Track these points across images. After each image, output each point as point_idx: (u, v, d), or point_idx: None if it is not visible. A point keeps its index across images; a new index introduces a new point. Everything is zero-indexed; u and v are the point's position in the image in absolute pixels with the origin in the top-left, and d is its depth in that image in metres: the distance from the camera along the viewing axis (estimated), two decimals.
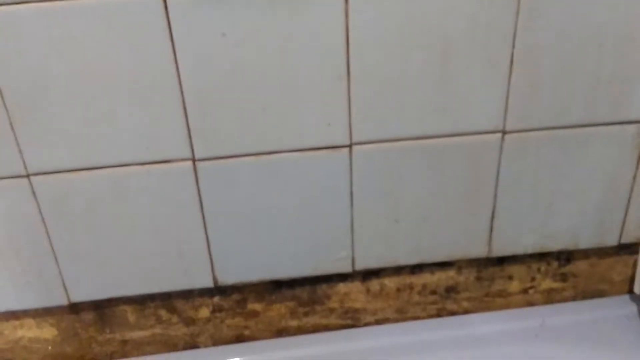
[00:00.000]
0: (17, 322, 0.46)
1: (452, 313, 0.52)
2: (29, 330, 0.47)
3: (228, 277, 0.47)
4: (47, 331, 0.47)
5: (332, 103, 0.40)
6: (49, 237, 0.42)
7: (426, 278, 0.50)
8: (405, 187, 0.44)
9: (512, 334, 0.49)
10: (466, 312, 0.52)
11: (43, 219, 0.41)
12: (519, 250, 0.48)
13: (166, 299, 0.47)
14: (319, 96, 0.40)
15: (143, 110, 0.39)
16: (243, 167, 0.42)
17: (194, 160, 0.41)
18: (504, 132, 0.43)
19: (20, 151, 0.39)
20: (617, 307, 0.51)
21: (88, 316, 0.47)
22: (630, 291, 0.52)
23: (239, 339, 0.50)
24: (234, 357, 0.49)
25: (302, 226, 0.45)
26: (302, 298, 0.49)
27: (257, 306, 0.49)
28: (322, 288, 0.49)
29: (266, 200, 0.43)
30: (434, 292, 0.51)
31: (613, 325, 0.50)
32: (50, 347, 0.48)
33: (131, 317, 0.48)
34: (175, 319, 0.48)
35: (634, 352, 0.48)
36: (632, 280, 0.51)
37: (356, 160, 0.43)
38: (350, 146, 0.42)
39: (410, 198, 0.45)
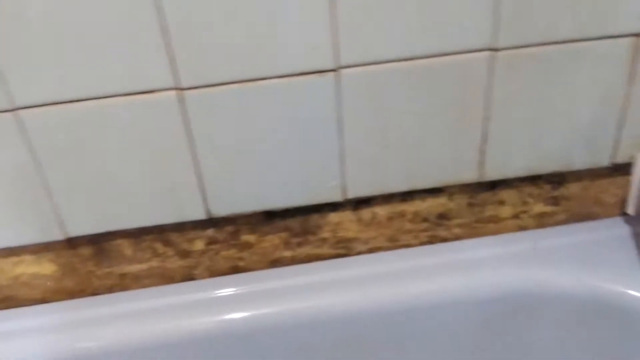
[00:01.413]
0: (16, 259, 0.50)
1: (444, 240, 0.55)
2: (28, 267, 0.51)
3: (221, 209, 0.50)
4: (46, 267, 0.51)
5: (317, 25, 0.42)
6: (41, 171, 0.45)
7: (417, 205, 0.53)
8: (394, 111, 0.47)
9: (505, 258, 0.53)
10: (458, 238, 0.55)
11: (34, 154, 0.44)
12: (510, 173, 0.51)
13: (161, 232, 0.51)
14: (303, 18, 0.42)
15: (126, 39, 0.41)
16: (230, 96, 0.45)
17: (180, 89, 0.43)
18: (493, 50, 0.45)
19: (6, 85, 0.41)
20: (610, 229, 0.54)
21: (86, 251, 0.51)
22: (624, 213, 0.55)
23: (234, 270, 0.54)
24: (229, 288, 0.54)
25: (291, 155, 0.48)
26: (295, 228, 0.53)
27: (250, 237, 0.53)
28: (314, 218, 0.53)
29: (255, 129, 0.46)
30: (425, 220, 0.54)
31: (606, 247, 0.53)
32: (49, 283, 0.52)
33: (128, 251, 0.52)
34: (171, 252, 0.52)
35: (627, 273, 0.52)
36: (625, 201, 0.54)
37: (343, 84, 0.45)
38: (336, 70, 0.44)
39: (399, 123, 0.47)
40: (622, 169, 0.52)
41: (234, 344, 0.54)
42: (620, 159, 0.51)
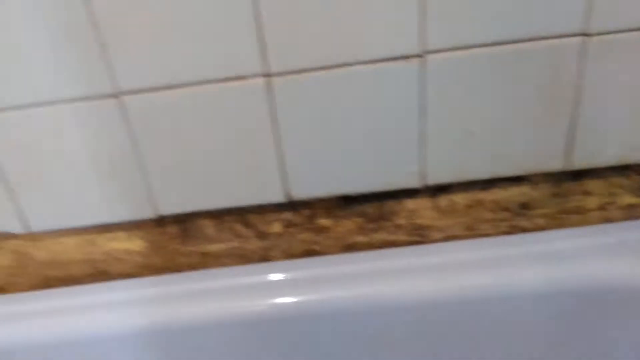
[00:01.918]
0: (110, 235, 0.55)
1: (525, 230, 0.55)
2: (121, 243, 0.56)
3: (300, 192, 0.52)
4: (136, 243, 0.56)
5: (404, 11, 0.43)
6: (139, 153, 0.49)
7: (498, 194, 0.53)
8: (480, 97, 0.47)
9: (590, 250, 0.52)
10: (540, 229, 0.55)
11: (133, 136, 0.48)
12: (599, 162, 0.50)
13: (242, 214, 0.54)
14: (391, 3, 0.43)
15: (221, 28, 0.44)
16: (315, 82, 0.46)
17: (268, 75, 0.46)
18: (586, 35, 0.44)
19: (111, 72, 0.45)
20: None
21: (173, 229, 0.55)
22: None
23: (309, 253, 0.57)
24: (304, 270, 0.56)
25: (372, 140, 0.49)
26: (370, 214, 0.55)
27: (326, 222, 0.55)
28: (390, 204, 0.54)
29: (338, 114, 0.48)
30: (506, 209, 0.54)
31: None
32: (138, 258, 0.57)
33: (211, 231, 0.55)
34: (250, 233, 0.55)
35: None
36: None
37: (429, 70, 0.46)
38: (422, 55, 0.45)
39: (485, 109, 0.48)
40: None
41: (306, 326, 0.57)
42: None
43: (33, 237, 0.55)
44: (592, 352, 0.54)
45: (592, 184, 0.52)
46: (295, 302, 0.55)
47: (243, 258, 0.57)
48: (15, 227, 0.53)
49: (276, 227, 0.55)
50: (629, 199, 0.53)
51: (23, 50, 0.45)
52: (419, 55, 0.45)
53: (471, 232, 0.55)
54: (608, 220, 0.54)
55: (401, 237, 0.56)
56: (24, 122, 0.48)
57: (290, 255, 0.57)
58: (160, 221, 0.54)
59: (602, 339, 0.53)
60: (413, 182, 0.52)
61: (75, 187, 0.51)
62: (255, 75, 0.46)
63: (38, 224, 0.53)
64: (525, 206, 0.54)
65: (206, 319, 0.56)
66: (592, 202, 0.53)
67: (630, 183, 0.52)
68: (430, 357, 0.56)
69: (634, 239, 0.53)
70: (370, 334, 0.57)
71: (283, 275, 0.57)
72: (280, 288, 0.56)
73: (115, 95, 0.46)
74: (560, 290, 0.52)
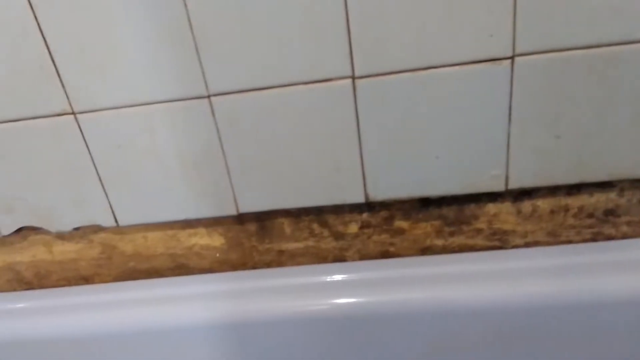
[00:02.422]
0: (191, 231, 0.58)
1: (610, 238, 0.54)
2: (201, 238, 0.59)
3: (378, 193, 0.53)
4: (216, 239, 0.58)
5: (496, 11, 0.44)
6: (223, 152, 0.52)
7: (584, 200, 0.53)
8: (569, 100, 0.47)
9: None
10: (625, 237, 0.54)
11: (219, 136, 0.51)
12: None
13: (319, 214, 0.56)
14: (482, 5, 0.44)
15: (309, 31, 0.46)
16: (399, 84, 0.47)
17: (353, 77, 0.47)
18: None
19: (203, 74, 0.48)
20: None
21: (251, 227, 0.57)
22: None
23: (384, 255, 0.58)
24: (379, 271, 0.58)
25: (455, 143, 0.50)
26: (449, 217, 0.55)
27: (403, 224, 0.56)
28: (471, 208, 0.54)
29: (420, 116, 0.49)
30: (591, 215, 0.53)
31: None
32: (218, 254, 0.60)
33: (287, 229, 0.57)
34: (326, 232, 0.57)
35: None
36: None
37: (518, 72, 0.46)
38: (512, 58, 0.45)
39: (574, 112, 0.47)
40: None
41: (376, 327, 0.58)
42: None
43: (120, 230, 0.59)
44: None
45: None
46: (367, 302, 0.57)
47: (318, 257, 0.59)
48: (105, 221, 0.57)
49: (353, 228, 0.57)
50: None
51: (120, 50, 0.48)
52: (509, 57, 0.45)
53: (554, 238, 0.55)
54: None
55: (480, 241, 0.56)
56: (119, 122, 0.51)
57: (365, 256, 0.58)
58: (240, 219, 0.57)
59: None
60: (496, 186, 0.52)
61: (161, 184, 0.54)
62: (341, 78, 0.47)
63: (125, 219, 0.57)
64: (610, 213, 0.53)
65: (280, 315, 0.58)
66: None
67: None
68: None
69: None
70: (441, 338, 0.57)
71: (356, 275, 0.58)
72: (352, 288, 0.57)
73: (205, 97, 0.49)
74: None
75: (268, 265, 0.59)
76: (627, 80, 0.45)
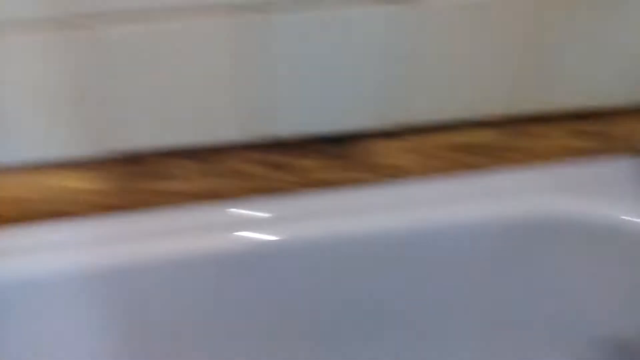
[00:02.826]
0: (64, 172, 0.54)
1: (476, 169, 0.60)
2: (76, 180, 0.54)
3: (263, 131, 0.53)
4: (90, 182, 0.55)
5: None
6: (99, 85, 0.47)
7: (458, 136, 0.57)
8: (459, 45, 0.49)
9: (529, 187, 0.58)
10: (488, 168, 0.60)
11: (94, 69, 0.46)
12: (550, 107, 0.55)
13: (198, 152, 0.54)
14: None
15: None
16: (294, 20, 0.46)
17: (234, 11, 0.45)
18: None
19: None
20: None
21: (128, 167, 0.54)
22: None
23: (272, 191, 0.58)
24: (263, 209, 0.58)
25: (344, 81, 0.50)
26: (336, 153, 0.57)
27: (291, 160, 0.57)
28: (357, 144, 0.56)
29: (314, 55, 0.48)
30: (460, 150, 0.58)
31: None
32: (93, 197, 0.56)
33: (167, 169, 0.55)
34: (207, 171, 0.56)
35: None
36: None
37: (416, 14, 0.46)
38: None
39: (460, 55, 0.50)
40: None
41: (261, 263, 0.59)
42: None
43: None
44: (530, 280, 0.61)
45: (543, 129, 0.57)
46: (256, 239, 0.58)
47: (201, 197, 0.58)
48: None
49: (237, 166, 0.56)
50: (578, 142, 0.59)
51: None
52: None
53: (426, 170, 0.59)
54: (552, 159, 0.60)
55: (372, 177, 0.59)
56: None
57: (251, 192, 0.59)
58: (117, 158, 0.53)
59: (530, 268, 0.60)
60: (380, 123, 0.54)
61: (30, 120, 0.49)
62: (219, 11, 0.45)
63: None
64: (477, 147, 0.58)
65: (164, 257, 0.57)
66: (542, 143, 0.58)
67: (578, 126, 0.57)
68: (385, 288, 0.61)
69: (573, 178, 0.59)
70: (331, 269, 0.60)
71: (237, 213, 0.58)
72: (241, 225, 0.58)
73: (74, 24, 0.44)
74: (504, 225, 0.57)
75: (147, 205, 0.57)
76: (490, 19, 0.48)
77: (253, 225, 0.57)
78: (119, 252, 0.56)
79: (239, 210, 0.58)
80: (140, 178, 0.55)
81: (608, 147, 0.59)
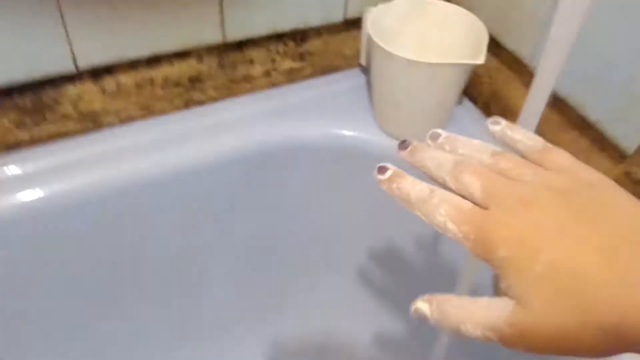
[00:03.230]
0: None
1: (201, 103, 0.58)
2: None
3: None
4: None
5: None
6: None
7: (166, 70, 0.54)
8: None
9: (258, 115, 0.59)
10: (214, 100, 0.59)
11: None
12: (253, 32, 0.54)
13: None
14: None
15: None
16: None
17: None
18: None
19: None
20: (349, 79, 0.63)
21: None
22: (359, 64, 0.64)
23: None
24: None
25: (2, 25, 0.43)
26: (27, 106, 0.50)
27: None
28: (48, 93, 0.50)
29: None
30: (177, 84, 0.55)
31: (345, 96, 0.62)
32: None
33: None
34: None
35: (360, 115, 0.61)
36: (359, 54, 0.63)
37: None
38: None
39: None
40: (355, 24, 0.60)
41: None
42: (352, 14, 0.58)
43: None
44: (269, 206, 0.64)
45: (254, 53, 0.57)
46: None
47: None
48: None
49: None
50: (288, 64, 0.60)
51: None
52: None
53: (147, 111, 0.56)
54: (274, 85, 0.61)
55: (72, 127, 0.53)
56: None
57: None
58: None
59: (275, 192, 0.63)
60: (66, 67, 0.48)
61: None
62: None
63: None
64: (196, 80, 0.56)
65: None
66: (257, 70, 0.59)
67: (286, 49, 0.59)
68: (123, 243, 0.58)
69: (295, 100, 0.61)
70: (54, 235, 0.55)
71: None
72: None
73: None
74: (235, 156, 0.58)
75: None
76: None
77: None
78: None
79: None
80: None
81: (312, 65, 0.62)
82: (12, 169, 0.52)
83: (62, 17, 0.45)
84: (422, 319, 0.25)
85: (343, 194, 0.65)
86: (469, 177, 0.26)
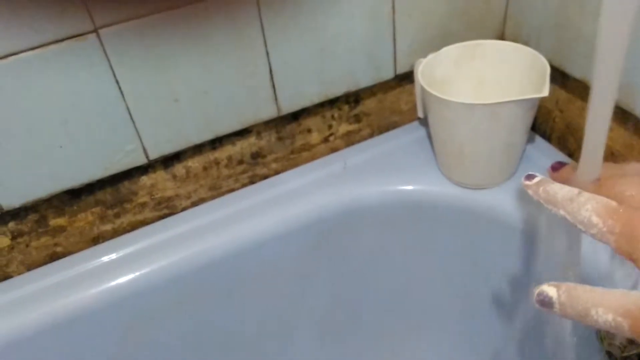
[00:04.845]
0: None
1: (265, 177, 0.60)
2: None
3: (12, 200, 0.49)
4: None
5: None
6: None
7: (229, 150, 0.57)
8: (177, 64, 0.48)
9: (320, 182, 0.60)
10: (277, 172, 0.61)
11: None
12: (306, 102, 0.56)
13: None
14: None
15: None
16: None
17: None
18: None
19: None
20: (407, 134, 0.63)
21: None
22: (418, 117, 0.64)
23: (54, 257, 0.55)
24: (50, 277, 0.54)
25: (75, 127, 0.48)
26: (107, 201, 0.54)
27: (60, 221, 0.53)
28: (125, 185, 0.54)
29: (27, 109, 0.45)
30: (241, 162, 0.58)
31: (406, 151, 0.62)
32: None
33: None
34: None
35: (423, 168, 0.60)
36: (416, 107, 0.63)
37: (108, 45, 0.45)
38: (95, 31, 0.44)
39: (184, 75, 0.49)
40: (407, 77, 0.60)
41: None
42: (402, 69, 0.59)
43: None
44: (339, 268, 0.63)
45: (310, 122, 0.59)
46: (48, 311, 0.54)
47: None
48: None
49: (3, 242, 0.52)
50: (345, 127, 0.61)
51: None
52: (91, 32, 0.44)
53: (216, 191, 0.59)
54: (333, 150, 0.62)
55: (149, 214, 0.57)
56: None
57: (32, 265, 0.54)
58: None
59: (343, 255, 0.62)
60: (138, 160, 0.52)
61: None
62: None
63: None
64: (257, 155, 0.59)
65: None
66: (315, 137, 0.60)
67: (341, 113, 0.60)
68: (205, 319, 0.60)
69: (355, 162, 0.61)
70: (136, 317, 0.57)
71: (23, 289, 0.54)
72: (23, 304, 0.53)
73: None
74: (302, 224, 0.58)
75: None
76: (219, 35, 0.49)
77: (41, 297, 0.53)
78: None
79: (21, 288, 0.54)
80: None
81: (369, 125, 0.62)
82: (98, 260, 0.56)
83: (130, 116, 0.49)
84: (545, 304, 0.26)
85: (414, 250, 0.63)
86: (618, 186, 0.28)
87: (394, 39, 0.56)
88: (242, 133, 0.56)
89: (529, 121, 0.53)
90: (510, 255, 0.56)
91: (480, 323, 0.65)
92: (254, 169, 0.59)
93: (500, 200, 0.55)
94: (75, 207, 0.53)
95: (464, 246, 0.60)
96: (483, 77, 0.58)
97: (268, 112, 0.55)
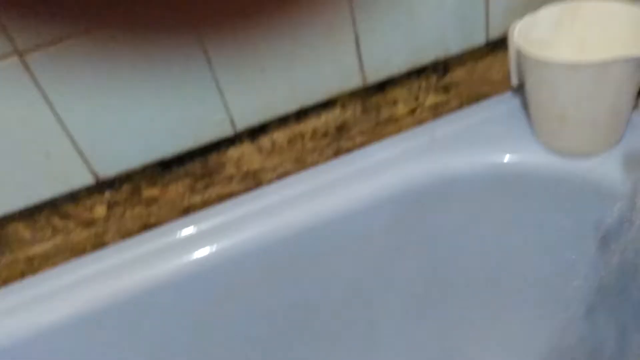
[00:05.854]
0: None
1: (349, 150, 0.59)
2: None
3: (107, 170, 0.52)
4: None
5: None
6: None
7: (314, 123, 0.56)
8: (262, 30, 0.48)
9: (407, 154, 0.58)
10: (362, 146, 0.59)
11: None
12: (393, 71, 0.55)
13: (55, 206, 0.52)
14: None
15: None
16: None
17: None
18: None
19: None
20: (500, 104, 0.60)
21: None
22: (511, 87, 0.60)
23: (146, 226, 0.57)
24: (143, 246, 0.56)
25: (167, 99, 0.49)
26: (197, 172, 0.55)
27: (153, 191, 0.55)
28: (213, 158, 0.55)
29: (120, 79, 0.47)
30: (325, 135, 0.57)
31: (499, 123, 0.59)
32: None
33: (26, 233, 0.53)
34: (71, 224, 0.54)
35: (520, 143, 0.57)
36: (509, 75, 0.59)
37: None
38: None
39: (271, 45, 0.49)
40: (499, 45, 0.57)
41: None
42: (494, 34, 0.55)
43: None
44: (427, 242, 0.61)
45: (396, 93, 0.57)
46: (142, 279, 0.56)
47: (75, 251, 0.55)
48: None
49: (99, 211, 0.54)
50: (432, 99, 0.59)
51: None
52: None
53: (301, 164, 0.58)
54: (420, 122, 0.60)
55: (236, 187, 0.58)
56: None
57: (125, 234, 0.57)
58: None
59: (432, 229, 0.60)
60: (226, 131, 0.53)
61: None
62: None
63: None
64: (342, 128, 0.58)
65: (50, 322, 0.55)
66: (401, 109, 0.58)
67: (429, 84, 0.58)
68: (289, 292, 0.59)
69: (444, 134, 0.59)
70: (229, 286, 0.58)
71: (118, 257, 0.56)
72: (117, 271, 0.55)
73: None
74: (389, 197, 0.57)
75: (22, 276, 0.55)
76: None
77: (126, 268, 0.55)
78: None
79: (115, 256, 0.56)
80: (2, 251, 0.53)
81: (458, 96, 0.59)
82: (188, 230, 0.57)
83: (218, 86, 0.50)
84: None
85: (510, 224, 0.59)
86: None
87: (487, 1, 0.53)
88: (327, 105, 0.55)
89: (636, 84, 0.49)
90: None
91: (582, 303, 0.60)
92: (339, 142, 0.58)
93: (606, 169, 0.51)
94: (166, 179, 0.55)
95: (563, 219, 0.56)
96: (584, 40, 0.54)
97: (354, 81, 0.54)
